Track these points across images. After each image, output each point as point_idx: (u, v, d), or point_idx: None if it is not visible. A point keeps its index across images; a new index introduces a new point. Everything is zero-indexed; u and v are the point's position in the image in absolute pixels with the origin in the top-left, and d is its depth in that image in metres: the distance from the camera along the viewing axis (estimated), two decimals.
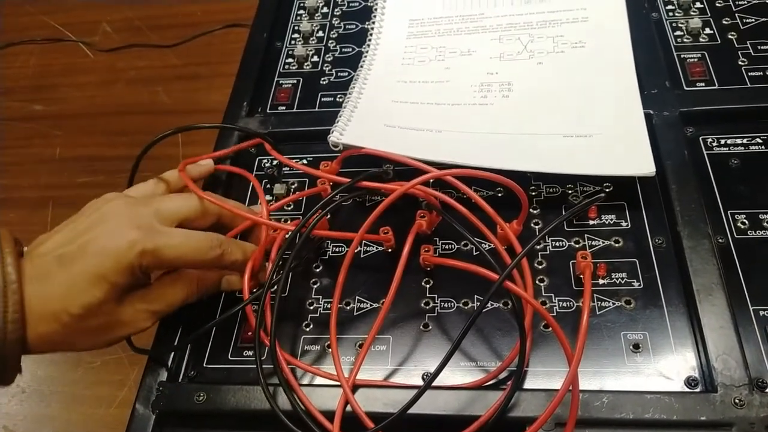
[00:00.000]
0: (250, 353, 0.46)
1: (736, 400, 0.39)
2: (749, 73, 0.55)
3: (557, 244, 0.48)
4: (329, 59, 0.64)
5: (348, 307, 0.47)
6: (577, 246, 0.48)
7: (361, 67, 0.61)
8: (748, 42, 0.57)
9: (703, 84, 0.55)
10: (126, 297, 0.42)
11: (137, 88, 0.88)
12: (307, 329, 0.47)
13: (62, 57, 0.94)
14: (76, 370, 0.64)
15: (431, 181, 0.46)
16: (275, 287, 0.44)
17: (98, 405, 0.60)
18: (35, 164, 0.82)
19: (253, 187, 0.54)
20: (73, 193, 0.78)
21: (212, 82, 0.86)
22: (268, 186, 0.55)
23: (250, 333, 0.46)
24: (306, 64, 0.64)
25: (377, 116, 0.55)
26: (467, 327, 0.38)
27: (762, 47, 0.57)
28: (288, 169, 0.56)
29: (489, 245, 0.45)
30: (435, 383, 0.39)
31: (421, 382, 0.43)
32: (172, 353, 0.47)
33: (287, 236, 0.46)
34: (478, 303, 0.46)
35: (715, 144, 0.52)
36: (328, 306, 0.48)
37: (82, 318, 0.40)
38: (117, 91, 0.88)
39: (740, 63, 0.56)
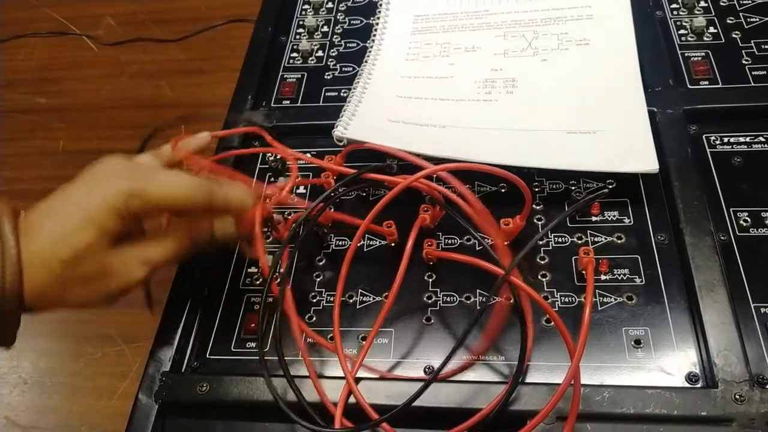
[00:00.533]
0: (253, 344, 0.46)
1: (737, 396, 0.39)
2: (753, 72, 0.55)
3: (560, 239, 0.48)
4: (334, 54, 0.64)
5: (351, 301, 0.48)
6: (579, 242, 0.48)
7: (366, 62, 0.61)
8: (752, 41, 0.58)
9: (706, 82, 0.55)
10: (117, 246, 0.42)
11: (141, 82, 0.88)
12: (310, 322, 0.47)
13: (66, 50, 0.94)
14: (77, 362, 0.64)
15: (434, 176, 0.47)
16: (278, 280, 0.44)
17: (100, 396, 0.60)
18: (38, 157, 0.82)
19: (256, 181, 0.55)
20: None
21: (216, 76, 0.86)
22: (272, 180, 0.55)
23: (253, 324, 0.46)
24: (311, 58, 0.64)
25: (381, 111, 0.55)
26: (472, 323, 0.38)
27: (766, 46, 0.57)
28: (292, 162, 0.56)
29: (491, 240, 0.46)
30: (440, 376, 0.40)
31: (423, 375, 0.44)
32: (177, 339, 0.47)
33: (299, 219, 0.46)
34: (481, 297, 0.46)
35: (718, 142, 0.52)
36: (331, 299, 0.48)
37: (72, 264, 0.40)
38: (120, 84, 0.88)
39: (744, 62, 0.56)
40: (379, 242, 0.50)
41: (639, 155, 0.49)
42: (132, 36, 0.93)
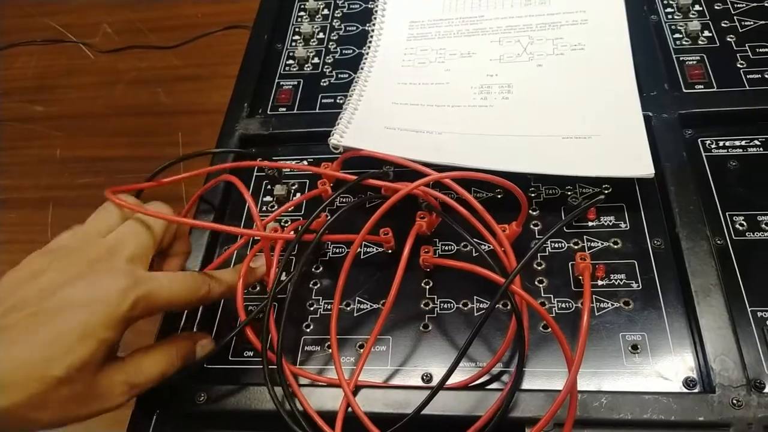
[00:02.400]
0: (251, 353, 0.46)
1: (734, 401, 0.39)
2: (748, 76, 0.55)
3: (556, 245, 0.48)
4: (330, 61, 0.64)
5: (348, 308, 0.48)
6: (576, 247, 0.48)
7: (362, 69, 0.61)
8: (746, 45, 0.58)
9: (701, 86, 0.55)
10: (102, 368, 0.38)
11: (138, 89, 0.88)
12: (308, 330, 0.47)
13: (63, 58, 0.94)
14: None
15: (431, 183, 0.47)
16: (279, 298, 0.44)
17: None
18: (35, 165, 0.82)
19: (253, 191, 0.55)
20: (74, 194, 0.78)
21: (213, 83, 0.86)
22: (269, 187, 0.55)
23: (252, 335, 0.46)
24: (306, 65, 0.64)
25: (377, 118, 0.56)
26: (474, 333, 0.38)
27: (760, 50, 0.57)
28: (289, 169, 0.56)
29: (488, 247, 0.46)
30: (433, 384, 0.40)
31: (420, 383, 0.44)
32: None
33: (295, 237, 0.46)
34: (478, 303, 0.47)
35: (713, 146, 0.52)
36: (329, 307, 0.48)
37: (62, 383, 0.35)
38: (117, 92, 0.88)
39: (739, 66, 0.56)
40: (376, 249, 0.51)
41: (634, 160, 0.49)
42: (128, 43, 0.93)
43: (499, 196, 0.52)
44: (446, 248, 0.50)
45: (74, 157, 0.82)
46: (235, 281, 0.45)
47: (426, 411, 0.39)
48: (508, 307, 0.46)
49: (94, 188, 0.78)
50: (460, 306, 0.47)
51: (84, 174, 0.80)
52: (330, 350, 0.45)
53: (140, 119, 0.84)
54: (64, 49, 0.95)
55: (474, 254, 0.49)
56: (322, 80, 0.62)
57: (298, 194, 0.55)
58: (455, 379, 0.43)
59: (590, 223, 0.49)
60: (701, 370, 0.41)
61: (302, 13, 0.69)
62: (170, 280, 0.41)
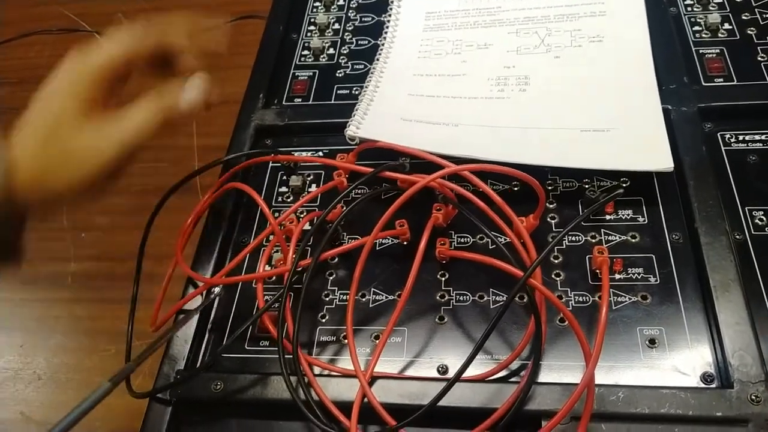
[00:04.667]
0: (267, 343, 0.46)
1: (753, 397, 0.39)
2: None
3: (573, 238, 0.48)
4: (345, 52, 0.64)
5: (363, 299, 0.48)
6: (593, 240, 0.48)
7: (377, 60, 0.61)
8: (767, 37, 0.57)
9: (721, 80, 0.55)
10: (89, 122, 0.41)
11: (151, 79, 0.88)
12: (323, 320, 0.47)
13: (77, 47, 0.94)
14: (91, 358, 0.65)
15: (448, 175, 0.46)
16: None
17: (114, 393, 0.60)
18: None
19: (268, 182, 0.55)
20: None
21: (227, 73, 0.84)
22: (284, 178, 0.55)
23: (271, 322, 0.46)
24: (322, 56, 0.64)
25: (393, 110, 0.55)
26: (492, 326, 0.38)
27: None
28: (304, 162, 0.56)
29: (505, 239, 0.45)
30: (449, 375, 0.40)
31: (436, 374, 0.44)
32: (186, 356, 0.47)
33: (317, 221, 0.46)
34: (494, 296, 0.46)
35: (733, 140, 0.52)
36: (344, 297, 0.48)
37: (47, 140, 0.40)
38: (134, 82, 0.88)
39: (759, 59, 0.56)
40: (392, 240, 0.50)
41: (653, 153, 0.48)
42: None
43: (515, 189, 0.51)
44: (462, 240, 0.50)
45: None
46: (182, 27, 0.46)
47: (442, 402, 0.39)
48: (524, 300, 0.45)
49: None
50: (476, 298, 0.47)
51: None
52: (345, 341, 0.46)
53: None
54: (78, 38, 0.95)
55: (490, 247, 0.49)
56: (338, 71, 0.62)
57: (314, 185, 0.55)
58: (471, 372, 0.42)
59: (608, 217, 0.49)
60: (719, 365, 0.41)
61: (318, 4, 0.69)
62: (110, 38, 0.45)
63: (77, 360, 0.65)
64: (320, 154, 0.57)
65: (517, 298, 0.46)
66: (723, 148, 0.51)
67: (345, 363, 0.45)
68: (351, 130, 0.52)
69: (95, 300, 0.69)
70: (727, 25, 0.59)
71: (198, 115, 0.45)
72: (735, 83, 0.55)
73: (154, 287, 0.51)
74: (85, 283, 0.71)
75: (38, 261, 0.72)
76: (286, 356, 0.42)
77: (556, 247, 0.48)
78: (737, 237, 0.46)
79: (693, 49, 0.58)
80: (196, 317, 0.47)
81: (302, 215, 0.52)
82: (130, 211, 0.74)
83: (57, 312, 0.69)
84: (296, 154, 0.57)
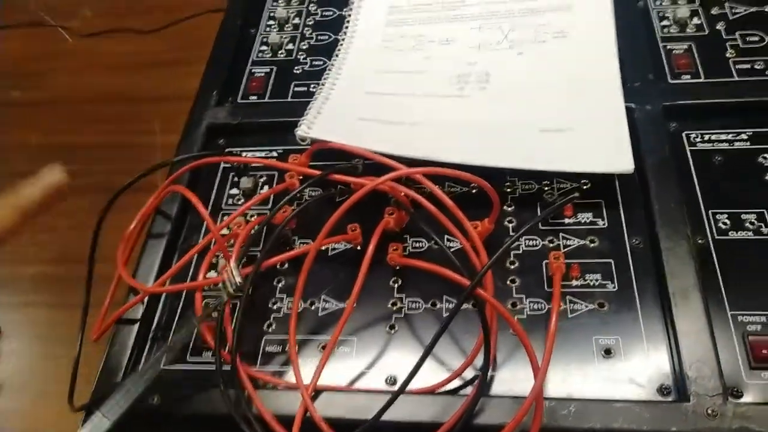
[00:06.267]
0: (209, 354, 0.44)
1: (709, 411, 0.37)
2: (737, 66, 0.53)
3: (531, 242, 0.46)
4: (304, 47, 0.62)
5: (312, 307, 0.46)
6: (551, 245, 0.46)
7: (336, 56, 0.59)
8: (737, 33, 0.55)
9: (688, 76, 0.53)
10: None
11: (117, 74, 0.86)
12: (269, 330, 0.45)
13: (41, 42, 0.92)
14: (47, 364, 0.63)
15: (402, 178, 0.45)
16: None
17: (45, 403, 0.59)
18: (10, 152, 0.80)
19: (219, 184, 0.53)
20: None
21: (194, 68, 0.83)
22: (236, 179, 0.53)
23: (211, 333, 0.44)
24: (280, 51, 0.62)
25: (350, 108, 0.53)
26: (435, 338, 0.37)
27: (751, 38, 0.55)
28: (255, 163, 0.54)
29: (459, 245, 0.44)
30: (398, 388, 0.38)
31: (384, 386, 0.42)
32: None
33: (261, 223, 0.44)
34: (447, 303, 0.45)
35: (698, 140, 0.50)
36: (292, 306, 0.46)
37: None
38: (97, 77, 0.86)
39: (728, 55, 0.54)
40: (345, 245, 0.49)
41: (614, 154, 0.47)
42: (109, 27, 0.90)
43: (474, 191, 0.49)
44: (417, 245, 0.48)
45: (51, 143, 0.80)
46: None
47: (388, 417, 0.38)
48: (475, 308, 0.44)
49: (69, 176, 0.76)
50: (429, 306, 0.45)
51: (61, 161, 0.78)
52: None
53: (118, 106, 0.82)
54: (43, 32, 0.93)
55: (449, 250, 0.47)
56: (296, 67, 0.60)
57: (266, 187, 0.53)
58: (422, 383, 0.41)
59: (567, 220, 0.47)
60: (677, 376, 0.40)
61: None
62: None
63: (32, 366, 0.63)
64: (275, 154, 0.55)
65: (471, 306, 0.44)
66: (688, 149, 0.49)
67: (291, 375, 0.43)
68: (302, 130, 0.50)
69: (53, 305, 0.67)
70: (696, 20, 0.57)
71: (55, 205, 0.43)
72: (702, 80, 0.53)
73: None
74: (43, 287, 0.69)
75: None
76: (224, 368, 0.40)
77: (512, 253, 0.46)
78: (699, 241, 0.45)
79: (660, 44, 0.56)
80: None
81: (252, 218, 0.50)
82: (91, 210, 0.72)
83: (13, 316, 0.67)
84: (249, 154, 0.55)
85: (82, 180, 0.74)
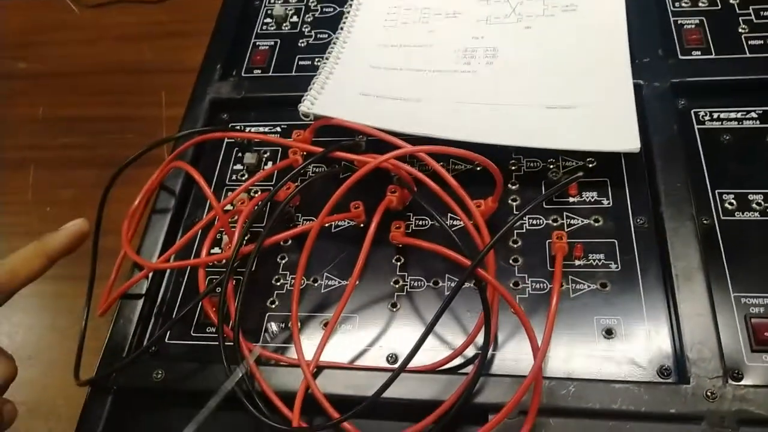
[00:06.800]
0: (213, 329, 0.45)
1: (708, 393, 0.37)
2: (749, 42, 0.52)
3: (534, 221, 0.46)
4: (309, 20, 0.61)
5: (315, 285, 0.46)
6: (555, 224, 0.46)
7: (341, 29, 0.58)
8: (750, 7, 0.54)
9: (699, 53, 0.52)
10: None
11: (123, 45, 0.85)
12: (272, 306, 0.46)
13: (47, 13, 0.91)
14: (53, 336, 0.64)
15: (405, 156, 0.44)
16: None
17: (53, 380, 0.59)
18: (17, 124, 0.79)
19: (223, 159, 0.53)
20: (55, 155, 0.76)
21: (199, 40, 0.82)
22: (239, 155, 0.53)
23: (214, 309, 0.45)
24: (285, 24, 0.61)
25: (354, 83, 0.53)
26: (436, 317, 0.37)
27: (765, 13, 0.53)
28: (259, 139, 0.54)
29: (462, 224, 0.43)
30: (398, 366, 0.38)
31: (386, 364, 0.42)
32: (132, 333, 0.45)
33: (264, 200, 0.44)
34: (450, 282, 0.45)
35: (707, 118, 0.49)
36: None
37: None
38: (102, 49, 0.86)
39: (740, 30, 0.53)
40: (348, 223, 0.48)
41: (620, 133, 0.46)
42: None
43: (478, 169, 0.49)
44: (420, 223, 0.48)
45: (56, 116, 0.80)
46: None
47: (388, 394, 0.38)
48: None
49: (75, 148, 0.76)
50: (431, 284, 0.45)
51: (66, 134, 0.78)
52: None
53: (124, 77, 0.82)
54: (47, 3, 0.92)
55: (451, 229, 0.46)
56: (300, 41, 0.59)
57: (270, 163, 0.52)
58: (423, 361, 0.41)
59: (571, 199, 0.47)
60: (677, 358, 0.40)
61: None
62: None
63: (39, 338, 0.64)
64: (279, 129, 0.54)
65: (473, 285, 0.44)
66: (696, 127, 0.49)
67: (293, 352, 0.43)
68: (305, 106, 0.50)
69: (60, 277, 0.67)
70: None
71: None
72: (713, 57, 0.52)
73: None
74: None
75: (1, 236, 0.70)
76: (227, 344, 0.40)
77: (515, 232, 0.46)
78: (705, 222, 0.44)
79: (671, 19, 0.55)
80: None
81: (256, 194, 0.50)
82: (97, 184, 0.71)
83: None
84: (253, 129, 0.54)
85: (87, 153, 0.75)
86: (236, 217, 0.46)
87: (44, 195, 0.73)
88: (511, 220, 0.39)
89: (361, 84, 0.53)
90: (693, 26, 0.54)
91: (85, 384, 0.44)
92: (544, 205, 0.46)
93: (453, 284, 0.44)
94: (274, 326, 0.45)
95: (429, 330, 0.37)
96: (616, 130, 0.46)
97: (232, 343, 0.40)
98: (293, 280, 0.46)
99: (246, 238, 0.43)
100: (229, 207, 0.48)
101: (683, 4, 0.55)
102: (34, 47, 0.87)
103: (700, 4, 0.55)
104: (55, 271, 0.68)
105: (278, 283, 0.46)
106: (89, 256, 0.53)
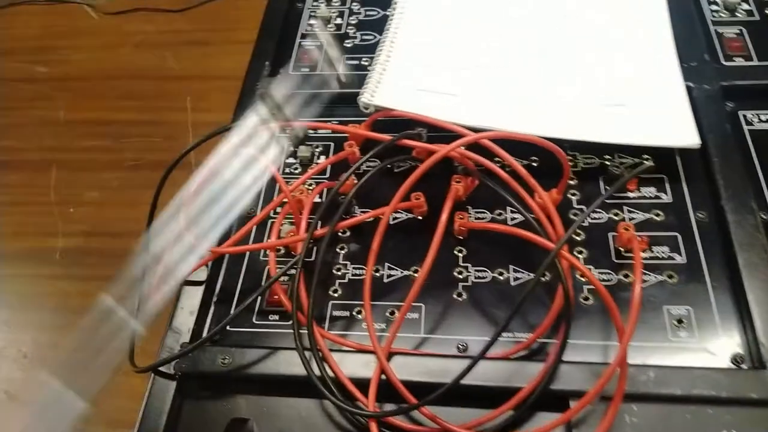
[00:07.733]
0: (276, 317, 0.44)
1: None
2: None
3: (595, 215, 0.47)
4: (354, 22, 0.62)
5: (377, 274, 0.46)
6: (616, 218, 0.46)
7: (389, 28, 0.58)
8: None
9: (741, 59, 0.54)
10: None
11: (144, 52, 0.85)
12: (335, 295, 0.45)
13: (65, 19, 0.91)
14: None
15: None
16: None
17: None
18: (38, 126, 0.78)
19: None
20: (77, 157, 0.75)
21: (222, 48, 0.83)
22: (292, 148, 0.53)
23: (276, 296, 0.44)
24: (329, 26, 0.61)
25: (408, 79, 0.53)
26: (522, 301, 0.37)
27: None
28: (312, 131, 0.54)
29: (520, 217, 0.44)
30: (469, 353, 0.38)
31: (455, 352, 0.42)
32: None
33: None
34: (514, 273, 0.45)
35: (755, 120, 0.50)
36: (357, 272, 0.46)
37: None
38: (123, 55, 0.85)
39: None
40: (405, 214, 0.48)
41: (679, 129, 0.47)
42: (135, 5, 0.89)
43: (534, 164, 0.49)
44: (479, 216, 0.48)
45: (78, 119, 0.79)
46: None
47: (465, 380, 0.37)
48: (545, 278, 0.44)
49: (98, 151, 0.75)
50: (496, 275, 0.45)
51: (88, 137, 0.77)
52: (359, 316, 0.44)
53: (147, 83, 0.81)
54: (66, 9, 0.92)
55: (510, 222, 0.47)
56: (346, 41, 0.60)
57: (323, 157, 0.52)
58: (494, 349, 0.41)
59: (630, 194, 0.47)
60: (749, 345, 0.40)
61: None
62: None
63: (65, 338, 0.62)
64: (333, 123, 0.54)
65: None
66: (745, 128, 0.50)
67: (358, 339, 0.42)
68: (365, 98, 0.50)
69: (84, 277, 0.66)
70: (745, 5, 0.58)
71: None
72: (755, 63, 0.53)
73: None
74: (73, 259, 0.68)
75: (24, 236, 0.69)
76: (300, 330, 0.40)
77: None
78: (763, 217, 0.45)
79: (711, 28, 0.56)
80: None
81: (311, 188, 0.50)
82: (121, 186, 0.71)
83: (44, 288, 0.66)
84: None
85: (111, 155, 0.74)
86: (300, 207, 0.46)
87: (67, 196, 0.72)
88: (582, 210, 0.40)
89: (415, 80, 0.53)
90: (733, 35, 0.55)
91: (146, 370, 0.42)
92: (605, 200, 0.47)
93: (518, 275, 0.44)
94: None
95: (514, 312, 0.37)
96: (675, 126, 0.47)
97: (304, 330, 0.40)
98: (354, 270, 0.46)
99: (316, 226, 0.43)
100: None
101: (722, 15, 0.57)
102: (54, 52, 0.87)
103: (738, 15, 0.57)
104: (79, 271, 0.67)
105: (339, 273, 0.46)
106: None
